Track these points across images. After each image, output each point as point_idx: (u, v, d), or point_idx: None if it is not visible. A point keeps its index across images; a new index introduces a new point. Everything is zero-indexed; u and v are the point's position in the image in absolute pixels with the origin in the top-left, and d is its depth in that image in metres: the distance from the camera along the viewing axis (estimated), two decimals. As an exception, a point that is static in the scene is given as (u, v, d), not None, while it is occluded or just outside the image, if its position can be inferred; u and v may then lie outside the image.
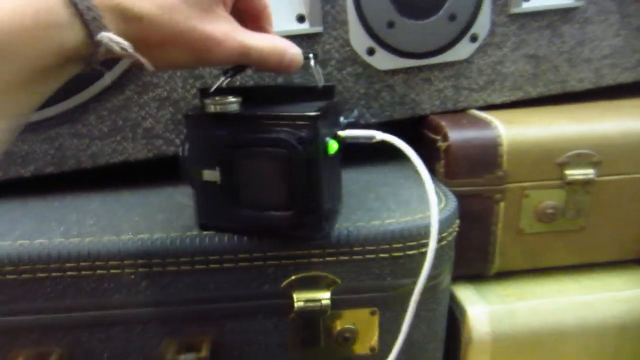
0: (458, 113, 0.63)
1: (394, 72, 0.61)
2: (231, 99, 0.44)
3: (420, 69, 0.61)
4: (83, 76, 0.56)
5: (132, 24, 0.34)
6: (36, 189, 0.60)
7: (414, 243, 0.49)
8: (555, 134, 0.57)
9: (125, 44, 0.33)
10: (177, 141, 0.58)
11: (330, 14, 0.58)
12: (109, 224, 0.50)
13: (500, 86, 0.63)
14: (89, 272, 0.46)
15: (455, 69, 0.62)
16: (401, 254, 0.49)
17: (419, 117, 0.64)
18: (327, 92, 0.48)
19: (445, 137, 0.57)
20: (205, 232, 0.48)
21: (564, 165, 0.57)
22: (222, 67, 0.44)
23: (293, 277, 0.48)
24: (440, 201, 0.53)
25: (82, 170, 0.58)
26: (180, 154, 0.45)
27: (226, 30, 0.38)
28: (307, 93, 0.48)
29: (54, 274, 0.46)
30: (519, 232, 0.59)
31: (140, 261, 0.47)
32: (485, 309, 0.57)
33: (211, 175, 0.44)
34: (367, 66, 0.60)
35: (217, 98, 0.44)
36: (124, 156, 0.58)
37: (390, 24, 0.58)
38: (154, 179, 0.63)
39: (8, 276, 0.46)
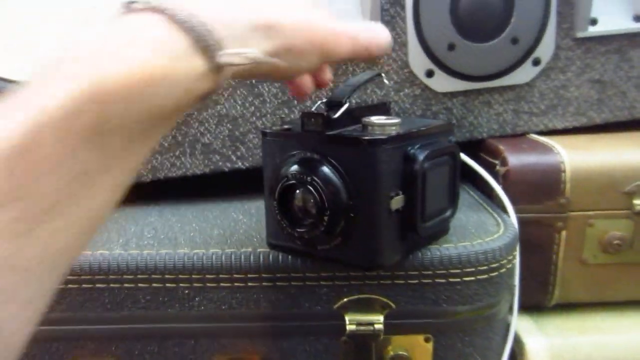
0: (517, 137, 0.60)
1: (452, 94, 0.58)
2: (390, 119, 0.43)
3: (479, 92, 0.59)
4: None
5: (277, 37, 0.32)
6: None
7: (472, 269, 0.46)
8: (623, 161, 0.53)
9: (249, 50, 0.30)
10: (233, 157, 0.58)
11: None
12: (165, 237, 0.50)
13: (563, 111, 0.60)
14: (146, 285, 0.45)
15: (515, 93, 0.59)
16: (458, 280, 0.46)
17: (477, 140, 0.61)
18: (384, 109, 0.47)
19: (504, 162, 0.54)
20: (259, 250, 0.46)
21: (632, 195, 0.53)
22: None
23: (346, 299, 0.46)
24: (498, 227, 0.50)
25: (142, 183, 0.58)
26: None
27: (336, 24, 0.36)
28: (375, 110, 0.46)
29: (112, 285, 0.45)
30: (582, 263, 0.55)
31: (195, 276, 0.46)
32: (544, 342, 0.53)
33: (398, 202, 0.41)
34: (425, 88, 0.58)
35: (376, 120, 0.42)
36: (182, 171, 0.58)
37: (451, 47, 0.56)
38: (209, 193, 0.62)
39: (69, 285, 0.46)
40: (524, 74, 0.58)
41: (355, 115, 0.44)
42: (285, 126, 0.44)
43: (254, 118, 0.56)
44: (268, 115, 0.56)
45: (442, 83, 0.57)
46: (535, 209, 0.53)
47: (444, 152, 0.44)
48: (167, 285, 0.46)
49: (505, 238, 0.48)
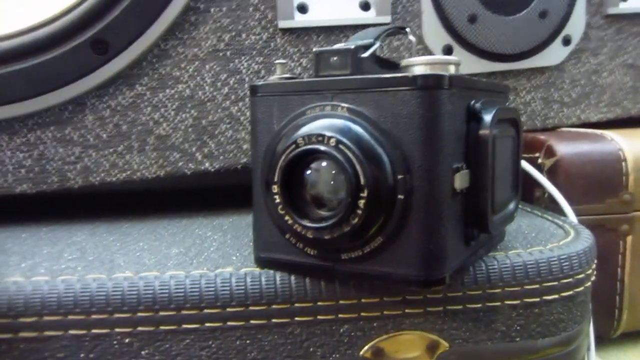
0: (549, 131, 0.47)
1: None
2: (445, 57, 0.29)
3: (504, 75, 0.45)
4: (79, 58, 0.40)
5: None
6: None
7: (555, 283, 0.30)
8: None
9: None
10: (199, 156, 0.40)
11: (401, 2, 0.42)
12: (96, 259, 0.31)
13: (597, 100, 0.47)
14: (58, 333, 0.26)
15: (545, 78, 0.46)
16: (537, 300, 0.30)
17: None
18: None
19: (550, 152, 0.40)
20: (244, 270, 0.29)
21: None
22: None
23: (377, 340, 0.29)
24: (564, 231, 0.35)
25: (68, 191, 0.39)
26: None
27: None
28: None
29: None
30: (653, 280, 0.40)
31: (142, 314, 0.27)
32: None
33: (463, 178, 0.26)
34: (440, 69, 0.44)
35: (425, 59, 0.26)
36: (127, 173, 0.40)
37: (472, 18, 0.43)
38: (164, 207, 0.44)
39: None
40: (555, 54, 0.45)
41: (388, 64, 0.29)
42: (286, 75, 0.28)
43: (228, 102, 0.40)
44: (247, 99, 0.40)
45: (462, 62, 0.44)
46: (595, 209, 0.39)
47: (508, 118, 0.30)
48: (95, 331, 0.27)
49: (583, 242, 0.33)
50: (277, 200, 0.26)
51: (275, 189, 0.26)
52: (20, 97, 0.36)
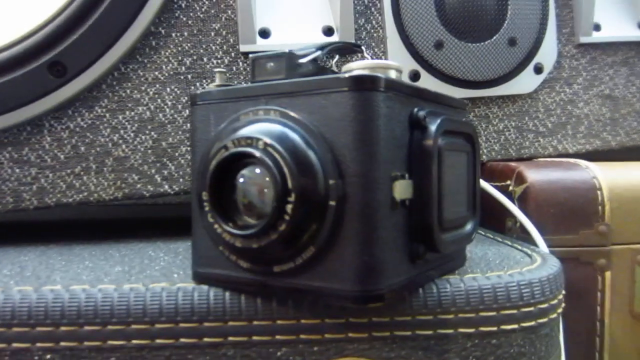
0: (525, 161, 0.46)
1: (442, 106, 0.44)
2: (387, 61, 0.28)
3: (475, 102, 0.45)
4: (36, 81, 0.40)
5: None
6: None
7: (514, 311, 0.28)
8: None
9: None
10: (158, 178, 0.39)
11: (365, 28, 0.42)
12: (33, 275, 0.30)
13: (574, 131, 0.46)
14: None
15: (518, 106, 0.45)
16: (494, 329, 0.28)
17: (474, 165, 0.46)
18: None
19: (520, 179, 0.39)
20: (178, 285, 0.27)
21: (689, 219, 0.38)
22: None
23: (319, 366, 0.27)
24: (531, 258, 0.33)
25: (23, 211, 0.38)
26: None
27: None
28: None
29: None
30: (636, 317, 0.38)
31: (65, 328, 0.26)
32: None
33: (404, 188, 0.24)
34: (408, 97, 0.44)
35: (365, 63, 0.26)
36: (83, 195, 0.39)
37: (439, 45, 0.43)
38: (121, 230, 0.43)
39: None
40: (526, 82, 0.45)
41: (329, 72, 0.28)
42: (224, 83, 0.27)
43: (189, 125, 0.40)
44: (207, 122, 0.39)
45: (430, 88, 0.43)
46: (569, 241, 0.37)
47: (461, 131, 0.29)
48: (16, 345, 0.25)
49: (548, 269, 0.31)
50: (207, 208, 0.24)
51: (205, 195, 0.24)
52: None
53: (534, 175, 0.38)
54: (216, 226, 0.24)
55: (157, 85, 0.39)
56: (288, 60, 0.25)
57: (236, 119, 0.25)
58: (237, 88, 0.26)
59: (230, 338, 0.27)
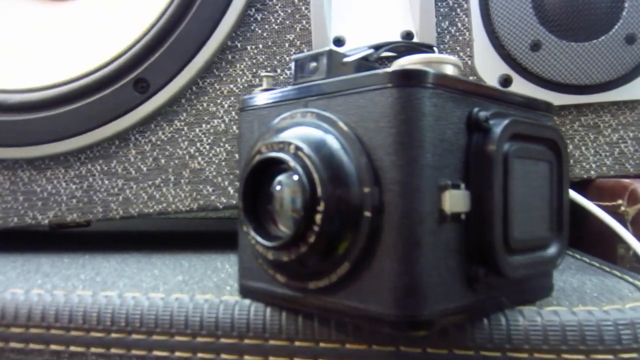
0: (643, 179, 0.38)
1: (540, 114, 0.39)
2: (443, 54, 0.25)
3: (581, 109, 0.39)
4: (123, 97, 0.43)
5: None
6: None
7: (609, 356, 0.23)
8: None
9: None
10: (231, 190, 0.40)
11: (449, 32, 0.39)
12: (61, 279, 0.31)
13: None
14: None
15: (637, 114, 0.39)
16: (587, 376, 0.23)
17: (579, 181, 0.40)
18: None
19: (634, 198, 0.33)
20: (223, 298, 0.26)
21: None
22: None
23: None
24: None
25: (110, 221, 0.41)
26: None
27: None
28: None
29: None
30: None
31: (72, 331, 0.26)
32: None
33: (458, 199, 0.21)
34: (499, 105, 0.39)
35: (419, 57, 0.24)
36: (162, 206, 0.40)
37: (535, 46, 0.38)
38: (191, 241, 0.44)
39: None
40: (648, 85, 0.38)
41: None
42: (271, 87, 0.26)
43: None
44: (280, 134, 0.39)
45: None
46: (700, 274, 0.30)
47: (541, 137, 0.25)
48: (73, 348, 0.27)
49: (662, 307, 0.25)
50: (242, 217, 0.24)
51: (240, 204, 0.24)
52: (74, 133, 0.40)
53: (653, 193, 0.32)
54: (250, 236, 0.23)
55: (232, 98, 0.40)
56: (329, 59, 0.23)
57: (276, 124, 0.24)
58: (277, 91, 0.25)
59: (271, 358, 0.25)
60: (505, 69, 0.39)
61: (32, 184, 0.41)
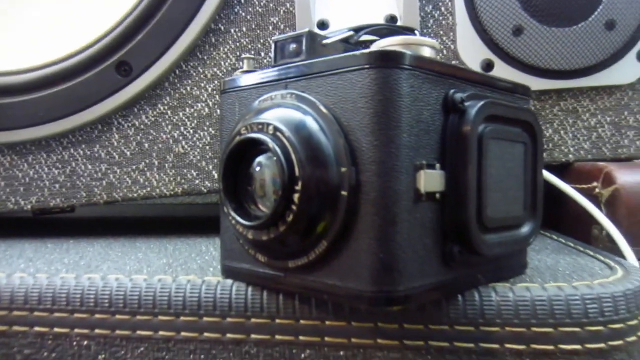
0: (621, 162, 0.40)
1: (520, 99, 0.40)
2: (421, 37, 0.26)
3: (561, 94, 0.40)
4: (105, 80, 0.43)
5: None
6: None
7: (577, 329, 0.24)
8: None
9: None
10: (215, 174, 0.40)
11: (432, 15, 0.40)
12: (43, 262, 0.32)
13: (688, 127, 0.39)
14: None
15: (615, 99, 0.40)
16: (550, 347, 0.24)
17: (558, 165, 0.41)
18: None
19: (608, 180, 0.34)
20: (206, 278, 0.27)
21: None
22: None
23: (344, 374, 0.25)
24: (613, 270, 0.28)
25: (94, 205, 0.41)
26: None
27: None
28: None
29: None
30: None
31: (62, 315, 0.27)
32: None
33: (432, 179, 0.22)
34: (481, 89, 0.40)
35: (397, 39, 0.24)
36: (146, 190, 0.41)
37: (517, 30, 0.39)
38: (176, 226, 0.44)
39: None
40: (627, 71, 0.39)
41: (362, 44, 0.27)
42: (251, 69, 0.27)
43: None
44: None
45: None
46: (670, 254, 0.31)
47: (516, 118, 0.25)
48: (57, 330, 0.27)
49: (628, 283, 0.26)
50: (223, 198, 0.24)
51: (220, 184, 0.24)
52: (56, 117, 0.40)
53: (626, 176, 0.33)
54: (230, 217, 0.24)
55: (216, 82, 0.40)
56: (309, 40, 0.24)
57: (256, 105, 0.25)
58: (257, 73, 0.25)
59: (253, 335, 0.26)
60: (488, 54, 0.39)
61: (13, 169, 0.41)
